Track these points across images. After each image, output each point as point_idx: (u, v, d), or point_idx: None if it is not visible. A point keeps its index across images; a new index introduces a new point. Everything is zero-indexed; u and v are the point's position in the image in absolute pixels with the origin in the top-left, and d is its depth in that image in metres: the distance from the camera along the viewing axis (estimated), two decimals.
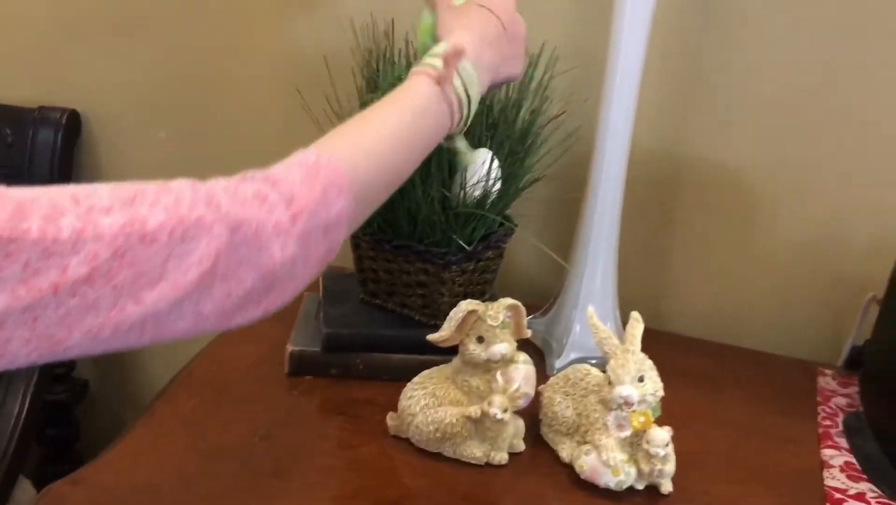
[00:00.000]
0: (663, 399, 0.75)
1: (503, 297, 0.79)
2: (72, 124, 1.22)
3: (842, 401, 0.92)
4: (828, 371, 0.97)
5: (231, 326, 0.53)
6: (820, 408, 0.90)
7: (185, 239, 0.48)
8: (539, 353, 0.96)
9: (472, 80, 0.67)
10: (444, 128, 0.67)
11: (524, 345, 0.81)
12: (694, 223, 1.03)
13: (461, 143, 0.77)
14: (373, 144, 0.61)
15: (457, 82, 0.66)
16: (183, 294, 0.48)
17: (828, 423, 0.88)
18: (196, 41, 1.15)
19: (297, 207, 0.53)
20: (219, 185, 0.51)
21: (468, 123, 0.69)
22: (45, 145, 1.21)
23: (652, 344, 0.98)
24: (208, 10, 1.13)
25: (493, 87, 0.74)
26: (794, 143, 0.97)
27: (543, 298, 1.00)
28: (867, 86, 0.93)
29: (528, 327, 0.98)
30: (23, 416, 1.14)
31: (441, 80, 0.65)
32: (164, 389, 0.85)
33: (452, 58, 0.66)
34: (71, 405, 1.30)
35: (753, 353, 1.01)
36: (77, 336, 0.45)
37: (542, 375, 0.91)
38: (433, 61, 0.66)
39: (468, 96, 0.67)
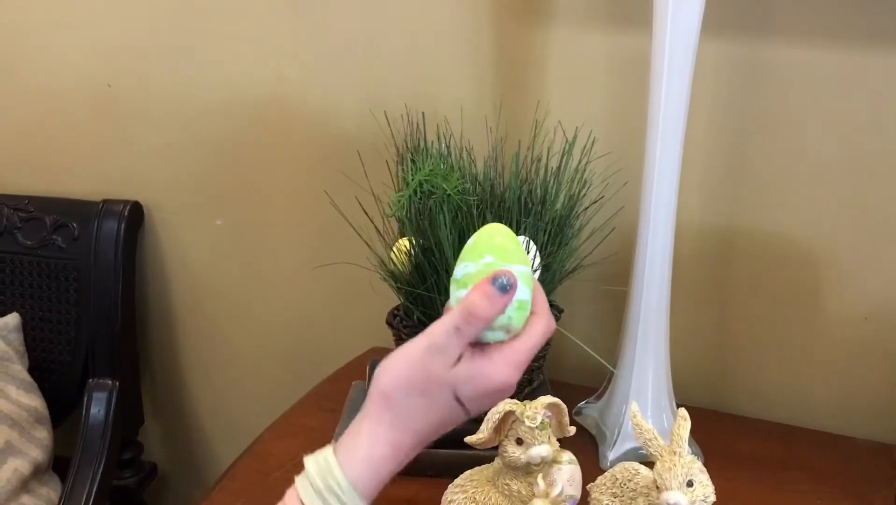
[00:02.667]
0: (722, 489, 0.70)
1: (553, 378, 0.76)
2: (134, 215, 1.26)
3: None
4: None
5: None
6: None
7: None
8: (593, 440, 0.92)
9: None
10: None
11: (577, 430, 0.78)
12: (750, 298, 0.98)
13: None
14: None
15: None
16: None
17: None
18: (242, 136, 1.18)
19: None
20: None
21: None
22: (110, 236, 1.25)
23: (713, 427, 0.94)
24: (251, 104, 1.16)
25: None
26: (852, 207, 0.92)
27: (600, 376, 0.97)
28: None
29: (581, 412, 0.96)
30: (90, 502, 1.17)
31: None
32: (210, 492, 0.85)
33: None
34: (139, 489, 1.33)
35: (824, 434, 0.95)
36: None
37: (595, 465, 0.87)
38: None
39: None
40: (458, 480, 0.78)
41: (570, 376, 1.03)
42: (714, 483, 0.71)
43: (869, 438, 0.94)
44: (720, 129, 0.94)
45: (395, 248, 0.86)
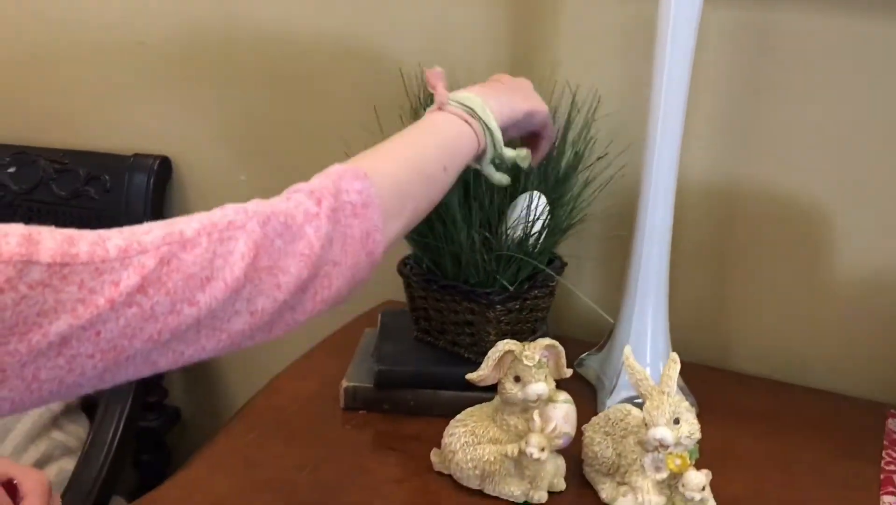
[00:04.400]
0: (720, 438, 0.74)
1: (557, 333, 0.80)
2: (163, 170, 1.32)
3: None
4: None
5: (290, 325, 0.57)
6: (885, 452, 0.87)
7: (223, 240, 0.52)
8: (593, 389, 0.96)
9: (475, 102, 0.73)
10: (465, 136, 0.72)
11: (578, 380, 0.81)
12: (751, 258, 1.01)
13: (501, 177, 0.79)
14: (387, 149, 0.68)
15: (454, 104, 0.73)
16: (233, 291, 0.52)
17: (892, 467, 0.84)
18: (268, 93, 1.22)
19: (317, 193, 0.58)
20: (249, 202, 0.56)
21: (496, 147, 0.74)
22: (140, 189, 1.31)
23: (712, 383, 0.98)
24: (276, 67, 1.20)
25: (520, 122, 0.78)
26: (854, 169, 0.94)
27: (602, 332, 1.00)
28: None
29: (583, 364, 1.00)
30: (115, 442, 1.23)
31: (441, 106, 0.72)
32: (227, 423, 0.90)
33: (433, 78, 0.75)
34: (163, 432, 1.39)
35: (818, 392, 0.98)
36: (138, 344, 0.48)
37: (593, 412, 0.91)
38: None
39: (475, 115, 0.73)
40: (459, 416, 0.82)
41: (574, 332, 1.07)
42: (710, 434, 0.75)
43: (862, 397, 0.96)
44: (725, 91, 0.96)
45: None
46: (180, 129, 1.31)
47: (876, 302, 0.97)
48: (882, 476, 0.83)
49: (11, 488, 0.67)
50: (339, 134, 1.17)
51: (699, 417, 0.74)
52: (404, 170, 0.67)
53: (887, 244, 0.95)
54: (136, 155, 1.32)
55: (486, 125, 0.73)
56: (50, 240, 0.46)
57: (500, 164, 0.77)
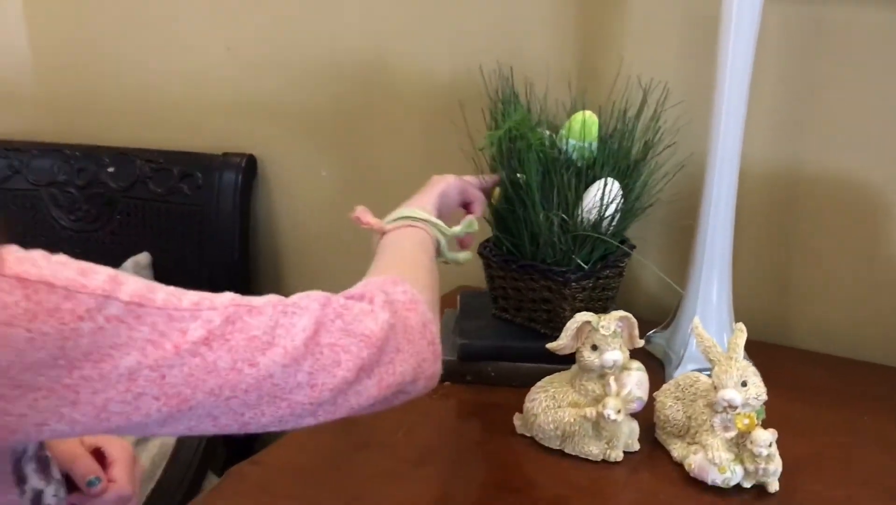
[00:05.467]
0: (782, 409, 0.80)
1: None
2: (250, 166, 1.42)
3: None
4: None
5: (355, 408, 0.59)
6: None
7: (287, 313, 0.56)
8: (660, 364, 1.03)
9: (410, 210, 0.83)
10: (424, 237, 0.82)
11: (646, 356, 0.88)
12: (812, 240, 1.07)
13: (464, 256, 0.90)
14: (390, 263, 0.76)
15: (397, 221, 0.83)
16: (293, 360, 0.55)
17: None
18: (346, 94, 1.32)
19: (368, 295, 0.63)
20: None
21: (445, 233, 0.84)
22: (229, 185, 1.41)
23: (774, 358, 1.03)
24: (355, 65, 1.29)
25: (449, 203, 0.90)
26: None
27: (665, 313, 1.07)
28: None
29: (650, 341, 1.06)
30: None
31: (383, 232, 0.82)
32: None
33: (363, 215, 0.84)
34: None
35: (876, 366, 1.03)
36: (200, 396, 0.52)
37: (661, 383, 0.98)
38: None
39: (417, 219, 0.83)
40: (540, 383, 0.90)
41: (640, 312, 1.13)
42: (771, 404, 0.81)
43: None
44: (785, 81, 1.02)
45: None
46: (265, 128, 1.41)
47: None
48: None
49: (99, 456, 0.71)
50: (417, 128, 1.27)
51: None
52: (415, 270, 0.74)
53: None
54: (225, 154, 1.42)
55: (429, 221, 0.83)
56: (133, 283, 0.51)
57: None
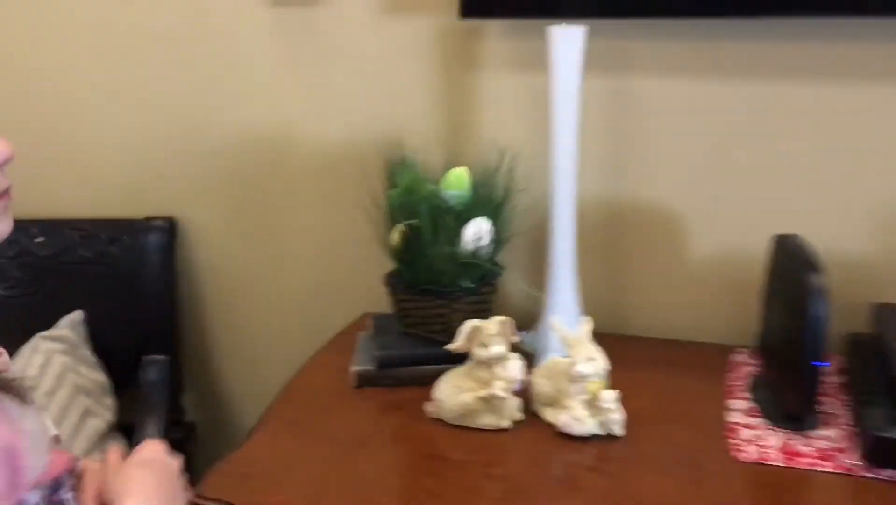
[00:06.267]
0: (624, 378, 1.12)
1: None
2: (171, 229, 1.63)
3: (750, 369, 1.27)
4: (743, 350, 1.33)
5: None
6: (731, 375, 1.26)
7: None
8: (531, 356, 1.33)
9: None
10: None
11: (520, 351, 1.17)
12: (636, 250, 1.41)
13: None
14: None
15: None
16: None
17: (738, 383, 1.23)
18: (257, 162, 1.57)
19: None
20: None
21: None
22: (153, 246, 1.62)
23: (616, 343, 1.34)
24: (262, 138, 1.55)
25: None
26: (700, 187, 1.35)
27: (532, 318, 1.37)
28: (758, 141, 1.31)
29: (523, 340, 1.37)
30: None
31: None
32: (271, 406, 1.23)
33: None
34: (181, 446, 1.68)
35: (690, 343, 1.37)
36: None
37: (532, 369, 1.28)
38: None
39: None
40: (443, 377, 1.17)
41: (514, 318, 1.44)
42: (618, 375, 1.12)
43: (717, 342, 1.37)
44: (608, 136, 1.36)
45: (392, 231, 1.26)
46: (184, 193, 1.63)
47: (721, 277, 1.37)
48: (726, 389, 1.22)
49: None
50: (321, 190, 1.53)
51: (610, 369, 1.11)
52: None
53: (725, 238, 1.36)
54: (147, 217, 1.63)
55: None
56: None
57: None
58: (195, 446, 1.72)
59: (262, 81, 1.52)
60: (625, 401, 1.12)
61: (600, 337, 1.16)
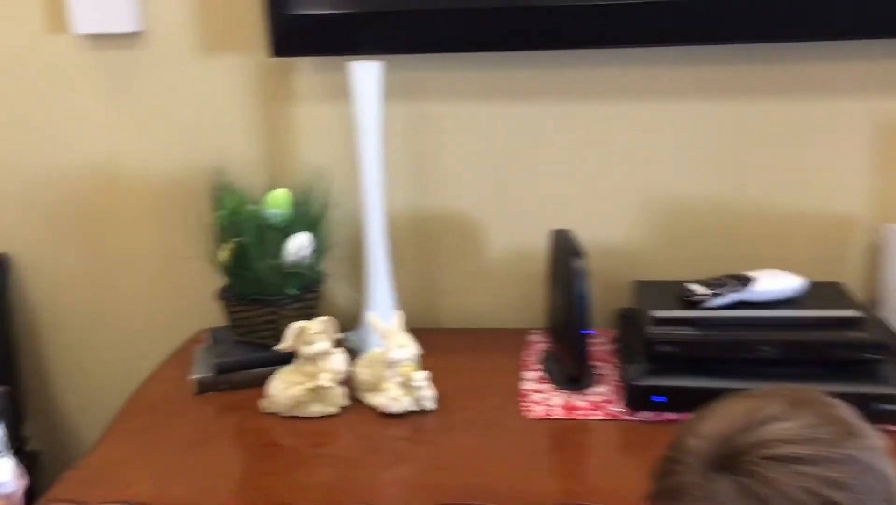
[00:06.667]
0: (436, 363, 1.30)
1: None
2: (2, 265, 1.67)
3: (542, 346, 1.50)
4: (537, 330, 1.56)
5: None
6: (526, 352, 1.48)
7: None
8: (355, 353, 1.49)
9: None
10: None
11: (346, 350, 1.34)
12: (443, 250, 1.61)
13: None
14: None
15: None
16: None
17: (531, 358, 1.45)
18: (80, 190, 1.65)
19: None
20: None
21: None
22: None
23: (430, 336, 1.54)
24: (95, 167, 1.63)
25: None
26: (492, 196, 1.57)
27: (355, 319, 1.54)
28: (535, 153, 1.55)
29: (347, 339, 1.53)
30: None
31: None
32: (115, 418, 1.32)
33: None
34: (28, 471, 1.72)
35: (492, 330, 1.59)
36: None
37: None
38: None
39: None
40: (274, 375, 1.32)
41: (339, 320, 1.60)
42: (431, 361, 1.31)
43: (515, 327, 1.59)
44: (410, 154, 1.56)
45: (221, 250, 1.39)
46: (11, 227, 1.68)
47: (514, 270, 1.60)
48: (521, 364, 1.44)
49: None
50: (154, 216, 1.64)
51: (423, 356, 1.30)
52: None
53: (514, 237, 1.58)
54: None
55: None
56: None
57: None
58: (40, 475, 1.76)
59: (83, 118, 1.61)
60: (436, 381, 1.31)
61: (415, 332, 1.34)
